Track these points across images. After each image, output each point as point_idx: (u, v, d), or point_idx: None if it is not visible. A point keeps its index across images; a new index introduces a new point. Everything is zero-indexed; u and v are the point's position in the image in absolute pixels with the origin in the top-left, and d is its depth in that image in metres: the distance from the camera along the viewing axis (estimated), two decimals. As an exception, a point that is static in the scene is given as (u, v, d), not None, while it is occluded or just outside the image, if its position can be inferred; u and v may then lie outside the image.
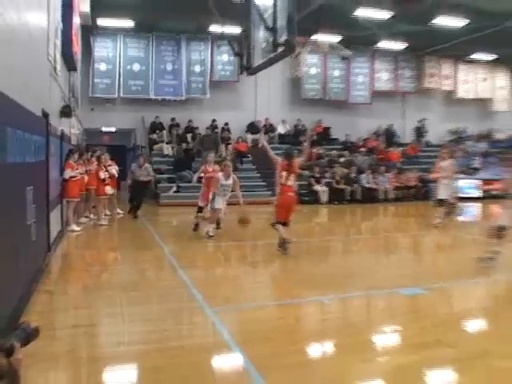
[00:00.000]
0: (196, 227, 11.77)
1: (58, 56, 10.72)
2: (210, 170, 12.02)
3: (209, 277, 8.17)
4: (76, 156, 11.97)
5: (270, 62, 8.19)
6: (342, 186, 19.95)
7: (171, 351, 4.70)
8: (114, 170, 14.76)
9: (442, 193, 12.53)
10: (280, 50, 7.42)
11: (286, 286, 7.58)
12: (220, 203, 10.65)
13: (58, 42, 10.69)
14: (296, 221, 10.32)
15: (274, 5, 7.39)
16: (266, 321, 5.70)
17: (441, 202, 12.55)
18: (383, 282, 7.30)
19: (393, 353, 4.75)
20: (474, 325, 5.76)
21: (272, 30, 7.38)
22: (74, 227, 12.01)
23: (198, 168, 14.75)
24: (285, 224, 9.24)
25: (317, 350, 4.90)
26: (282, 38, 7.27)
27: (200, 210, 11.75)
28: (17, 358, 1.82)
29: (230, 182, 10.70)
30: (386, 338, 5.18)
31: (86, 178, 12.94)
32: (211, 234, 10.77)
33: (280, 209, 9.20)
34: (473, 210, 18.32)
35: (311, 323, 5.81)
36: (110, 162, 14.68)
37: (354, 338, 5.10)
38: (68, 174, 11.34)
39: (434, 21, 19.48)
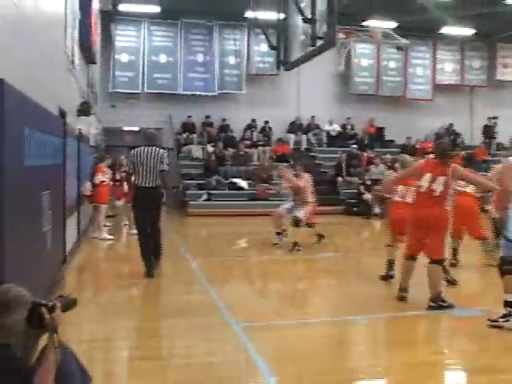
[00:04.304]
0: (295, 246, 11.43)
1: (76, 48, 11.34)
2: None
3: (238, 292, 8.61)
4: (110, 160, 12.90)
5: (308, 57, 8.58)
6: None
7: (194, 366, 5.15)
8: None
9: None
10: (319, 43, 7.78)
11: (320, 304, 8.05)
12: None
13: (76, 33, 11.32)
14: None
15: (312, -7, 7.78)
16: (297, 340, 6.10)
17: None
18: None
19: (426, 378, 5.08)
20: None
21: (310, 21, 7.75)
22: (106, 235, 12.93)
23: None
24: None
25: (344, 370, 5.25)
26: (322, 31, 7.63)
27: (297, 223, 11.48)
28: (57, 314, 2.89)
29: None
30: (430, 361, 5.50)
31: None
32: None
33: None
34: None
35: (345, 344, 6.16)
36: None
37: (386, 360, 5.52)
38: (99, 178, 12.52)
39: (507, 1, 19.45)
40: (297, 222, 11.23)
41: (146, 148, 8.88)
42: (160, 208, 9.15)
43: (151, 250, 9.09)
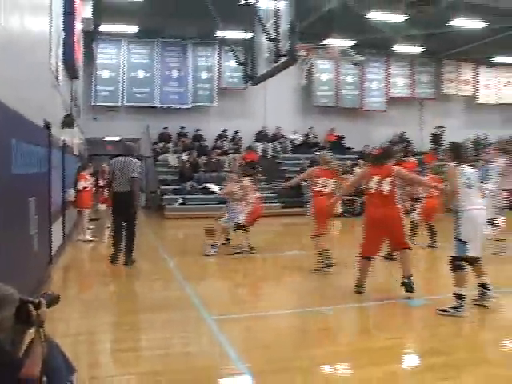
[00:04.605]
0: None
1: (60, 65, 11.24)
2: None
3: (211, 288, 8.62)
4: (92, 168, 13.19)
5: (272, 72, 8.64)
6: (351, 197, 20.19)
7: (168, 357, 5.15)
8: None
9: None
10: (282, 60, 7.83)
11: (286, 297, 8.07)
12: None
13: (60, 51, 11.22)
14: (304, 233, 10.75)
15: (276, 14, 7.82)
16: (265, 330, 6.15)
17: None
18: (386, 293, 7.71)
19: (388, 361, 5.14)
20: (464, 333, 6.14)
21: (274, 40, 7.80)
22: (89, 237, 12.96)
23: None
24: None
25: (313, 357, 5.28)
26: (285, 48, 7.69)
27: (239, 228, 11.13)
28: (43, 310, 2.91)
29: None
30: (386, 346, 5.56)
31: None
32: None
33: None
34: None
35: (310, 333, 6.19)
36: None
37: (347, 346, 5.60)
38: (82, 185, 12.71)
39: (452, 22, 19.77)
40: (239, 227, 11.02)
41: (123, 158, 9.72)
42: (132, 209, 9.67)
43: (121, 242, 9.91)
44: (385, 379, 4.64)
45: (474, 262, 6.67)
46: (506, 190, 11.84)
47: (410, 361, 5.25)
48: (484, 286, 6.79)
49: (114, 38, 22.01)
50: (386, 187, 7.14)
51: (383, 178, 7.16)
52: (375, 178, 7.20)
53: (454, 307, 6.41)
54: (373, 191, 7.22)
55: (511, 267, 10.24)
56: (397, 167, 7.46)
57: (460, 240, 6.49)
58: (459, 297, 6.44)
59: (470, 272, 6.67)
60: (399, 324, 6.61)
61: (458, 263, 6.51)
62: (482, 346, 5.67)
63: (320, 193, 9.08)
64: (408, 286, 7.17)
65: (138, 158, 10.25)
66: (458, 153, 6.81)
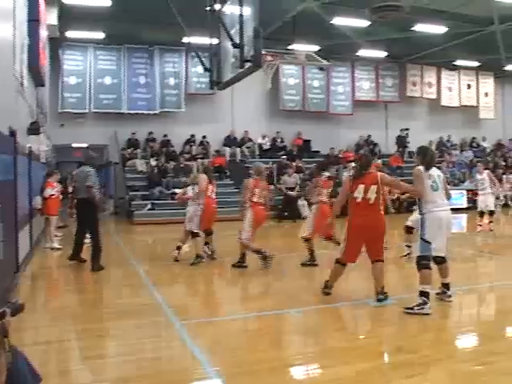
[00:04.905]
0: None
1: (25, 71, 11.11)
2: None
3: (180, 293, 8.64)
4: (58, 175, 13.02)
5: (238, 78, 8.66)
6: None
7: (138, 363, 5.11)
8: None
9: None
10: (247, 65, 7.87)
11: (254, 300, 8.14)
12: None
13: (25, 57, 11.09)
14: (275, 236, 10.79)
15: (240, 21, 7.85)
16: (234, 333, 6.19)
17: None
18: (351, 294, 7.80)
19: (356, 360, 5.19)
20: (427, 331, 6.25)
21: (239, 46, 7.83)
22: (56, 245, 12.78)
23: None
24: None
25: (282, 358, 5.30)
26: (250, 54, 7.72)
27: (193, 235, 10.71)
28: (7, 319, 2.85)
29: None
30: (353, 346, 5.62)
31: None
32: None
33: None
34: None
35: (278, 334, 6.23)
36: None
37: (317, 347, 5.64)
38: (48, 192, 12.58)
39: (414, 28, 20.22)
40: (192, 235, 10.63)
41: (81, 167, 10.32)
42: (91, 213, 10.15)
43: (79, 244, 10.49)
44: (353, 378, 4.68)
45: (440, 262, 6.94)
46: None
47: (378, 359, 5.30)
48: (446, 285, 7.13)
49: (81, 44, 21.80)
50: (371, 195, 7.08)
51: (368, 186, 7.11)
52: (360, 187, 7.12)
53: (419, 305, 6.56)
54: (359, 200, 7.11)
55: (471, 266, 10.52)
56: (381, 174, 7.38)
57: (425, 240, 6.70)
58: (424, 294, 6.59)
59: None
60: (367, 324, 6.71)
61: (424, 262, 6.68)
62: (447, 343, 5.76)
63: (257, 203, 9.66)
64: (383, 301, 7.12)
65: (100, 166, 10.61)
66: (426, 157, 7.00)
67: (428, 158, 7.02)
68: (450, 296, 7.11)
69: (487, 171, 14.81)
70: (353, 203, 7.24)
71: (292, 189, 20.85)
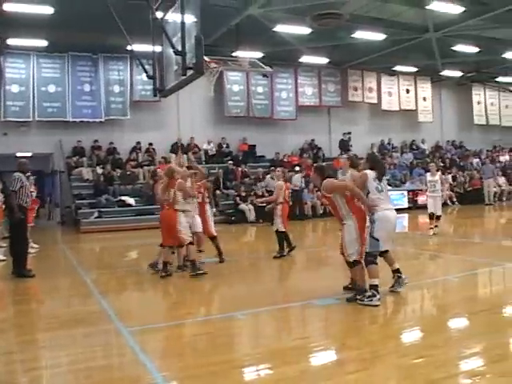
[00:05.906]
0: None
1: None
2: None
3: (127, 300, 8.54)
4: (0, 185, 12.55)
5: (181, 85, 8.66)
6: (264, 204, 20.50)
7: (86, 371, 5.04)
8: None
9: None
10: (190, 73, 7.87)
11: (202, 304, 8.18)
12: None
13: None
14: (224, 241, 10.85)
15: (182, 28, 7.85)
16: (180, 338, 6.20)
17: None
18: (296, 296, 7.89)
19: (301, 360, 5.26)
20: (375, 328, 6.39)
21: (181, 53, 7.83)
22: (1, 256, 12.29)
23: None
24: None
25: (228, 361, 5.32)
26: (192, 62, 7.73)
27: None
28: None
29: None
30: (298, 346, 5.68)
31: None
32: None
33: None
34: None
35: (224, 337, 6.24)
36: None
37: (263, 348, 5.69)
38: None
39: (354, 35, 20.68)
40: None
41: (14, 174, 10.43)
42: (12, 219, 10.12)
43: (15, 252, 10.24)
44: (298, 377, 4.74)
45: (383, 253, 7.39)
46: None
47: (322, 358, 5.36)
48: (397, 271, 7.55)
49: (23, 52, 21.26)
50: None
51: None
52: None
53: (369, 297, 6.92)
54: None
55: (419, 262, 10.79)
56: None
57: (373, 237, 7.10)
58: (373, 287, 6.98)
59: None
60: (312, 324, 6.79)
61: (371, 259, 7.09)
62: (391, 338, 5.89)
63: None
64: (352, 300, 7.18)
65: (29, 173, 11.39)
66: (378, 164, 7.58)
67: (380, 165, 7.61)
68: (405, 279, 7.55)
69: (439, 173, 15.14)
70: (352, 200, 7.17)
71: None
